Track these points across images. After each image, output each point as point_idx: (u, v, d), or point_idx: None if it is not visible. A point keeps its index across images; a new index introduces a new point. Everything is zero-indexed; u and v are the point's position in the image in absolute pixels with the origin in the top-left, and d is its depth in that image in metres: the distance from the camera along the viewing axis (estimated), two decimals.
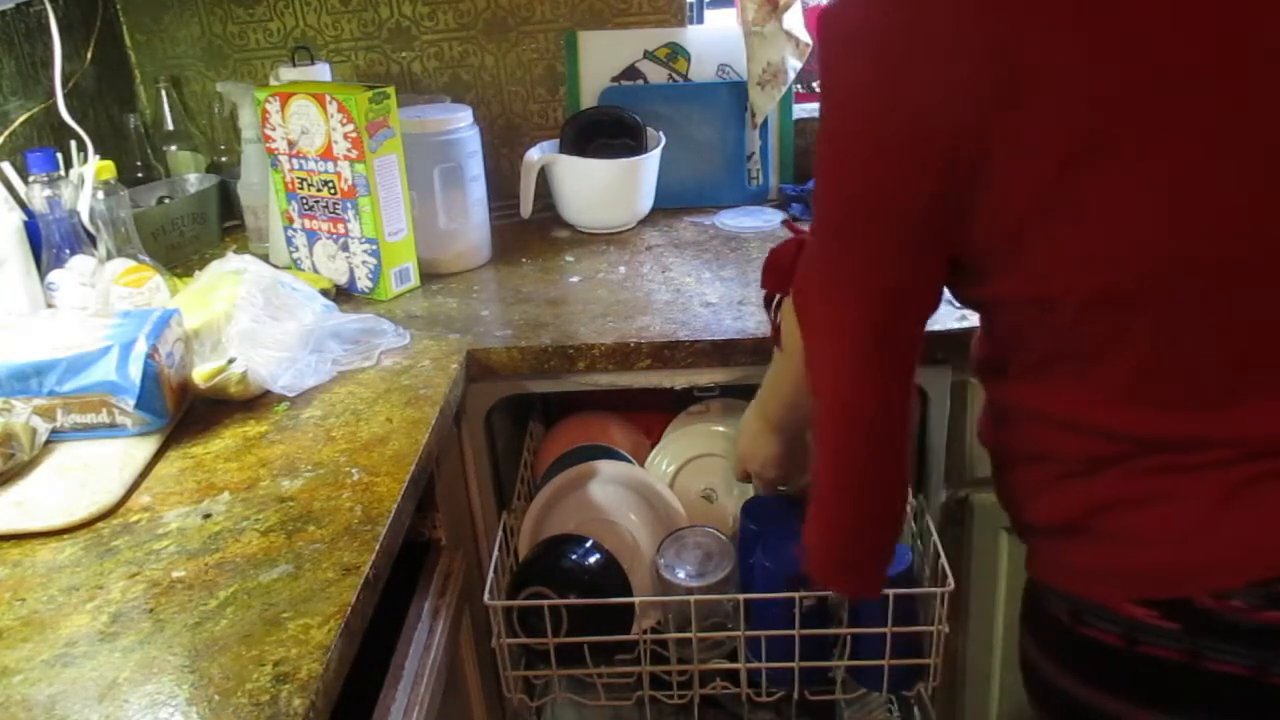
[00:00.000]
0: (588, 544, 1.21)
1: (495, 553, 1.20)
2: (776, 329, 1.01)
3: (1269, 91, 0.66)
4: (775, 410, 1.07)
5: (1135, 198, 0.68)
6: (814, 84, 1.79)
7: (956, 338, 1.15)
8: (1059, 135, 0.67)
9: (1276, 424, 0.71)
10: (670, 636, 1.21)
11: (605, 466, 1.31)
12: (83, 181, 1.25)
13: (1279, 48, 0.65)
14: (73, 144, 1.31)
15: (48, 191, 1.21)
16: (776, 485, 1.16)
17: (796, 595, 1.11)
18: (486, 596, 1.15)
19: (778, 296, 1.02)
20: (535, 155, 1.58)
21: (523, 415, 1.52)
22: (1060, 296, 0.73)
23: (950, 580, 1.11)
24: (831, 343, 0.81)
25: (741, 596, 1.13)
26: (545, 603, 1.13)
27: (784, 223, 1.07)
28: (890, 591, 1.08)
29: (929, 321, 0.82)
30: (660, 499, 1.30)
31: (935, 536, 1.19)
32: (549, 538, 1.25)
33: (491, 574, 1.17)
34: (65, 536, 0.86)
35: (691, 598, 1.14)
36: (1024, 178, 0.69)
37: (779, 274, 1.00)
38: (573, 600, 1.14)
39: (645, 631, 1.22)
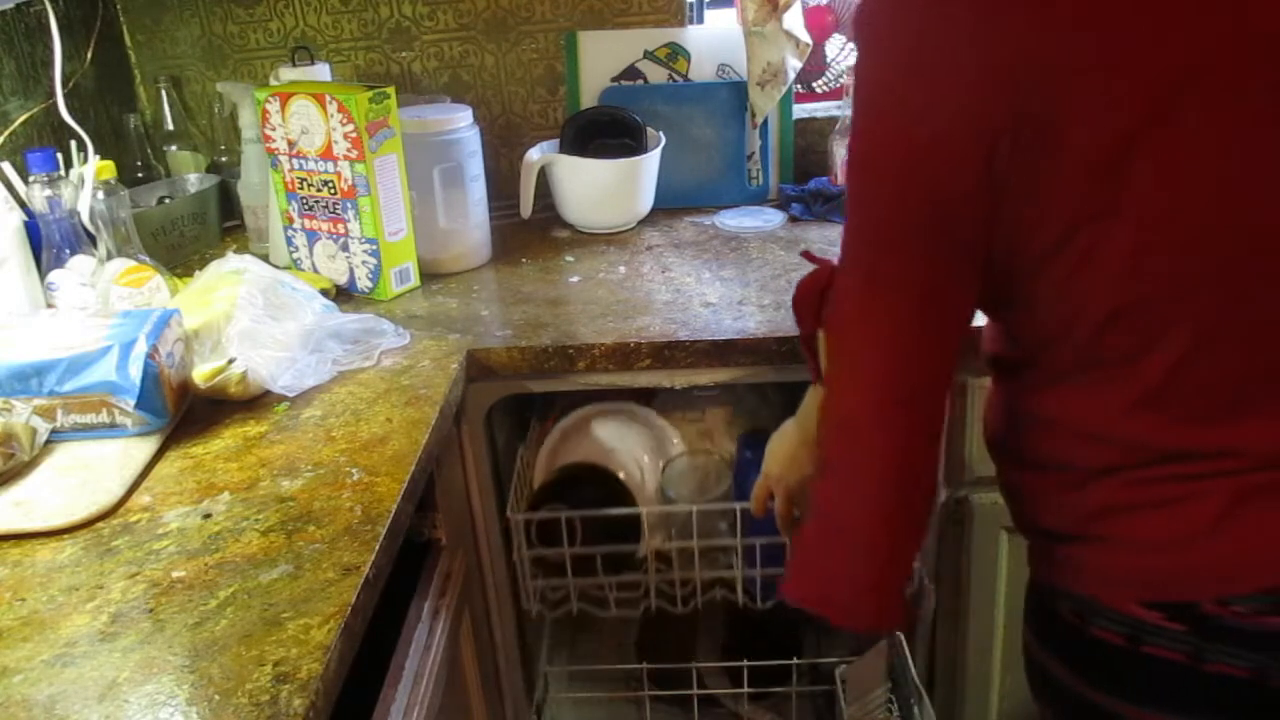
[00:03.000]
0: (599, 469, 1.30)
1: (514, 479, 1.33)
2: (816, 365, 0.96)
3: None
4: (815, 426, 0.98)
5: (1167, 211, 0.67)
6: (814, 84, 1.79)
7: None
8: (1091, 141, 0.66)
9: None
10: (673, 546, 1.30)
11: (611, 407, 1.37)
12: (83, 181, 1.25)
13: None
14: (73, 144, 1.31)
15: (48, 191, 1.21)
16: (798, 503, 1.11)
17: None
18: (508, 511, 1.25)
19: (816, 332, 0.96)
20: (535, 155, 1.57)
21: (523, 415, 1.52)
22: (1087, 306, 0.72)
23: (942, 493, 1.16)
24: (873, 368, 0.77)
25: (738, 505, 1.20)
26: (561, 514, 1.22)
27: (804, 254, 1.02)
28: None
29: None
30: (665, 436, 1.37)
31: None
32: (564, 465, 1.34)
33: (511, 494, 1.30)
34: (65, 536, 0.86)
35: (693, 507, 1.23)
36: (1057, 184, 0.68)
37: (811, 309, 0.94)
38: (586, 512, 1.23)
39: (652, 550, 1.30)
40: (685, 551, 1.27)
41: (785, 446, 1.07)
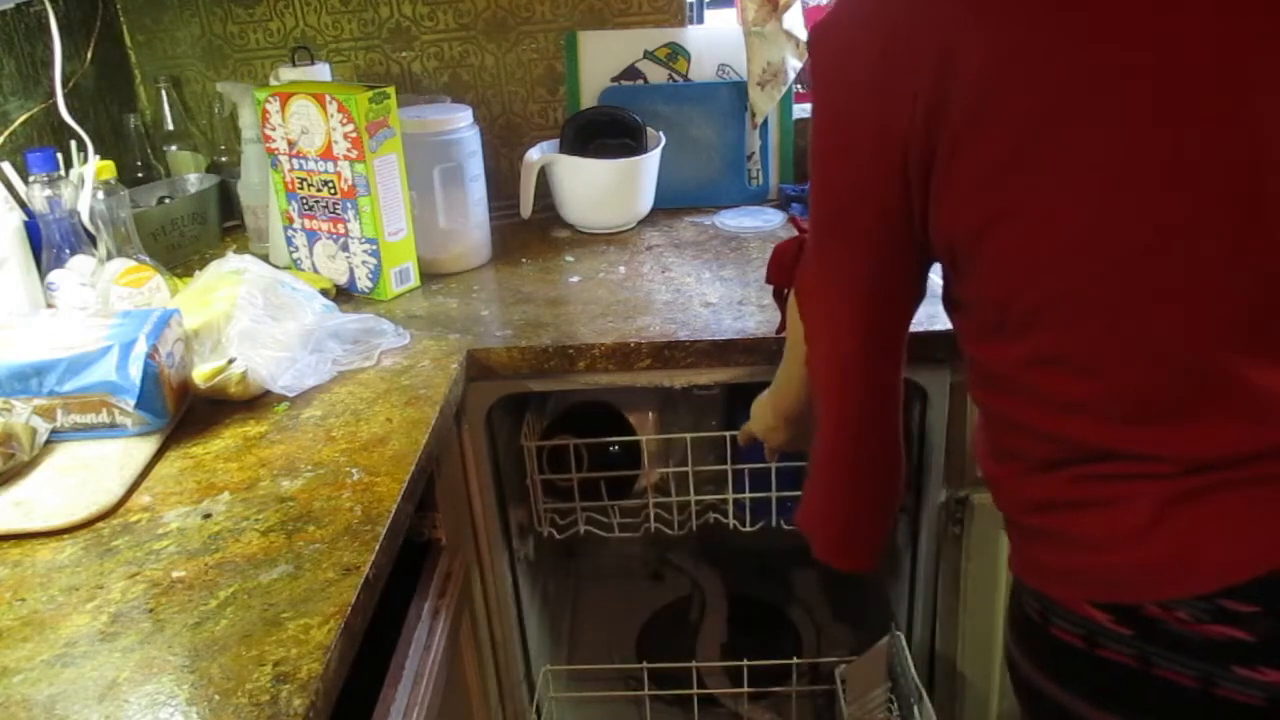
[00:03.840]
0: (607, 406, 1.40)
1: (527, 414, 1.42)
2: (784, 317, 1.06)
3: (1206, 97, 0.67)
4: (784, 402, 1.10)
5: (1067, 208, 0.71)
6: None
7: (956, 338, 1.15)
8: (989, 149, 0.72)
9: (1211, 444, 0.72)
10: (670, 470, 1.42)
11: None
12: (83, 181, 1.25)
13: (1214, 53, 0.67)
14: (73, 144, 1.31)
15: (48, 191, 1.21)
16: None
17: None
18: (522, 440, 1.37)
19: (786, 290, 1.06)
20: (535, 155, 1.58)
21: (524, 415, 1.52)
22: (1008, 304, 0.76)
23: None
24: (828, 332, 0.90)
25: (729, 434, 1.29)
26: (570, 442, 1.35)
27: (789, 219, 1.12)
28: None
29: (923, 320, 0.90)
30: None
31: None
32: (574, 402, 1.43)
33: (525, 426, 1.39)
34: (65, 536, 0.86)
35: (688, 435, 1.36)
36: (964, 190, 0.74)
37: (782, 269, 1.05)
38: (592, 439, 1.37)
39: (651, 480, 1.42)
40: (682, 481, 1.39)
41: (763, 418, 1.16)
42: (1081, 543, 0.77)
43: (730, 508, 1.39)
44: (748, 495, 1.37)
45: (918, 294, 0.87)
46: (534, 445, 1.37)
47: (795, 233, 1.07)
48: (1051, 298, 0.74)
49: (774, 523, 1.38)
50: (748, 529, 1.40)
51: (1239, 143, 0.68)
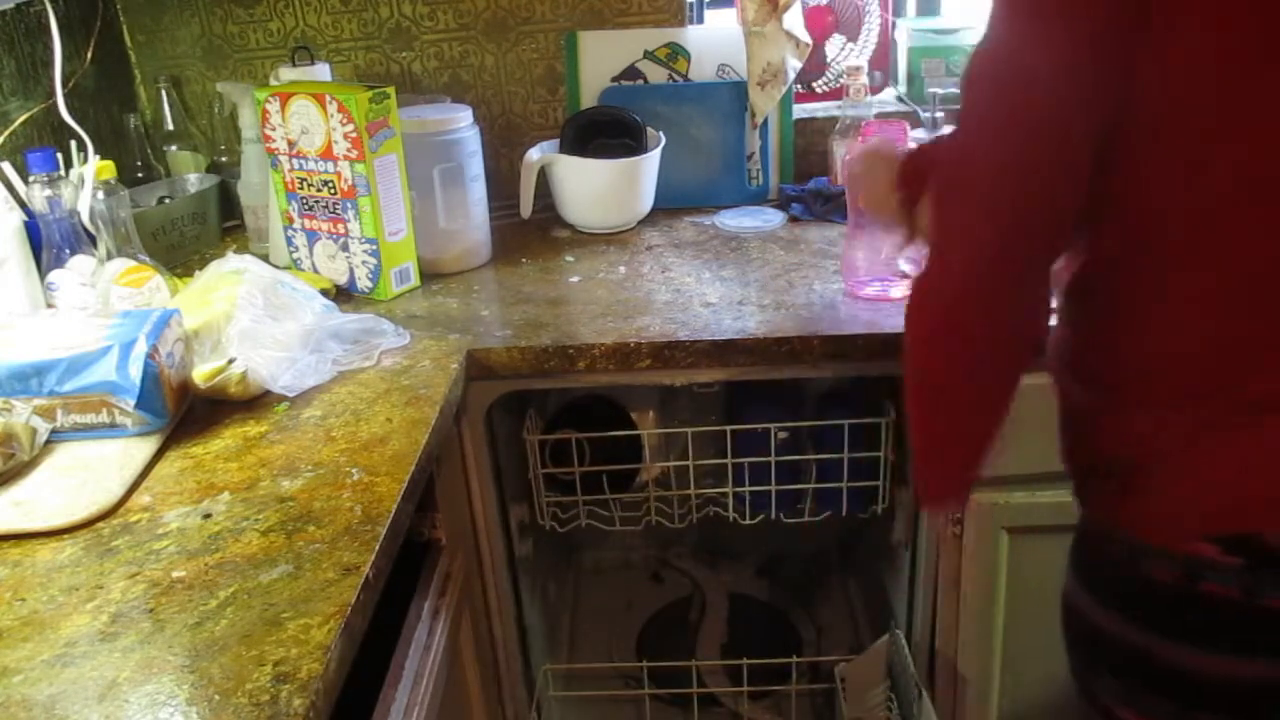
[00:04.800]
0: (608, 400, 1.44)
1: (530, 409, 1.41)
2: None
3: None
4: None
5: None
6: (814, 84, 1.79)
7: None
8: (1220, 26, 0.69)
9: None
10: (671, 464, 1.44)
11: None
12: (83, 181, 1.25)
13: None
14: (73, 144, 1.31)
15: (48, 191, 1.21)
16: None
17: (771, 426, 1.35)
18: (524, 434, 1.38)
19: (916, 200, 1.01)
20: (535, 155, 1.58)
21: (524, 414, 1.52)
22: (1167, 222, 0.74)
23: (892, 411, 1.31)
24: (985, 222, 0.79)
25: (729, 428, 1.33)
26: (572, 436, 1.39)
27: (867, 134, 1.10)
28: (845, 422, 1.31)
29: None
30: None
31: None
32: (574, 397, 1.45)
33: (528, 420, 1.40)
34: (65, 536, 0.86)
35: (689, 430, 1.38)
36: (1183, 61, 0.70)
37: (912, 178, 1.00)
38: (593, 434, 1.39)
39: (652, 474, 1.45)
40: (683, 475, 1.41)
41: (877, 188, 1.08)
42: (1194, 475, 0.76)
43: (730, 501, 1.41)
44: (747, 489, 1.38)
45: (1076, 200, 0.78)
46: (537, 439, 1.38)
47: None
48: (1225, 215, 0.72)
49: (773, 515, 1.40)
50: (747, 522, 1.41)
51: None
